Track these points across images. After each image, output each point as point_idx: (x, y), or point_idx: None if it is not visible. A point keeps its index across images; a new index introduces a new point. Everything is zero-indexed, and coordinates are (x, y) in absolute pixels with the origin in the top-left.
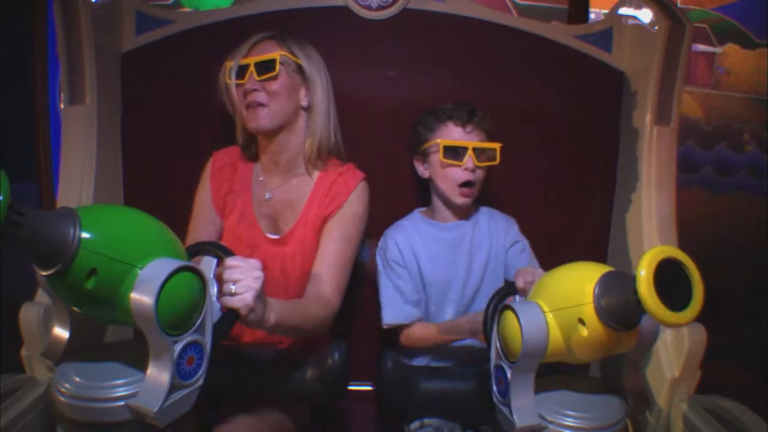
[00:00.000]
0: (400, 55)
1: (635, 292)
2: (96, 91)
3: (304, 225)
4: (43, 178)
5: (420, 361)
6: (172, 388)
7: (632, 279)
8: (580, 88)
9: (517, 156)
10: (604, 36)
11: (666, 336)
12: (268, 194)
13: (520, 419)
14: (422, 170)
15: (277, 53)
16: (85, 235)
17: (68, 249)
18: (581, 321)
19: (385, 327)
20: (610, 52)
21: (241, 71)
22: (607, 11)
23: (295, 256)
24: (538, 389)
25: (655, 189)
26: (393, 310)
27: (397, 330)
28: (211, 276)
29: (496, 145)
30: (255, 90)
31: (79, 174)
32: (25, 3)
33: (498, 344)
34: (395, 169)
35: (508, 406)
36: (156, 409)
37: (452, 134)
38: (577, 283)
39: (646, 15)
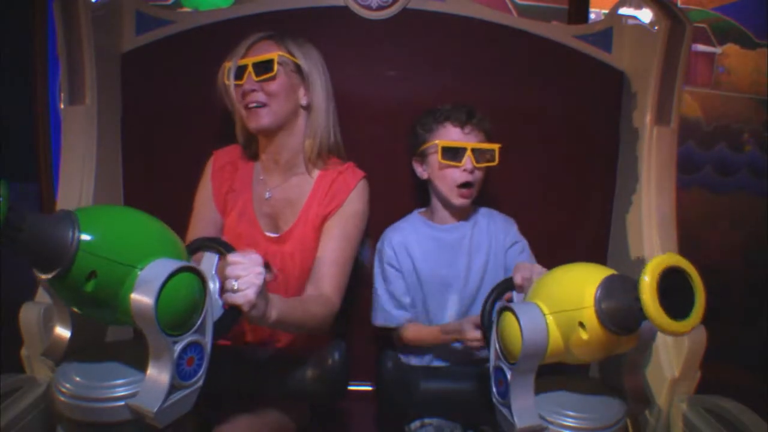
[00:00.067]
0: (400, 55)
1: (637, 299)
2: (96, 91)
3: (303, 224)
4: (43, 178)
5: (420, 361)
6: (172, 388)
7: (634, 284)
8: (580, 88)
9: (517, 156)
10: (604, 36)
11: (666, 336)
12: (268, 193)
13: (520, 420)
14: (421, 171)
15: (274, 53)
16: (84, 237)
17: (67, 252)
18: (581, 324)
19: (374, 326)
20: (610, 52)
21: (240, 72)
22: (607, 11)
23: (295, 255)
24: (538, 390)
25: (655, 189)
26: (383, 313)
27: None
28: (213, 272)
29: (495, 146)
30: (254, 91)
31: (79, 174)
32: (25, 3)
33: (497, 345)
34: (395, 170)
35: (509, 407)
36: (155, 410)
37: (450, 135)
38: (578, 286)
39: (646, 15)
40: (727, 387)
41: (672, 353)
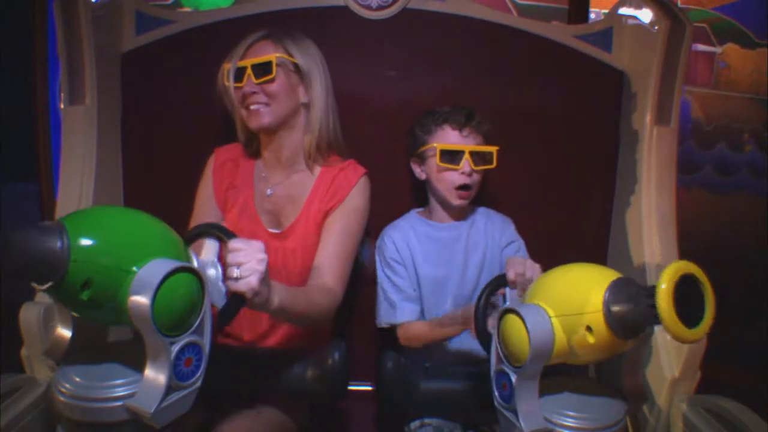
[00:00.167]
0: (400, 55)
1: (652, 306)
2: (96, 91)
3: (305, 220)
4: (43, 178)
5: (420, 361)
6: (169, 389)
7: (645, 289)
8: (580, 88)
9: (517, 156)
10: (604, 36)
11: (666, 336)
12: (269, 190)
13: (527, 424)
14: (419, 172)
15: (272, 55)
16: (75, 246)
17: (58, 264)
18: (588, 328)
19: (380, 326)
20: (610, 52)
21: (239, 74)
22: (607, 11)
23: (297, 251)
24: (539, 391)
25: (655, 189)
26: (391, 308)
27: (393, 329)
28: (215, 259)
29: (493, 149)
30: (254, 93)
31: (79, 174)
32: (25, 3)
33: (500, 349)
34: (395, 169)
35: (514, 411)
36: (152, 410)
37: (449, 138)
38: (584, 289)
39: (646, 15)
40: (727, 387)
41: (672, 353)
